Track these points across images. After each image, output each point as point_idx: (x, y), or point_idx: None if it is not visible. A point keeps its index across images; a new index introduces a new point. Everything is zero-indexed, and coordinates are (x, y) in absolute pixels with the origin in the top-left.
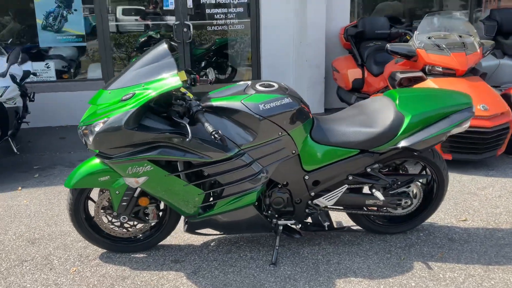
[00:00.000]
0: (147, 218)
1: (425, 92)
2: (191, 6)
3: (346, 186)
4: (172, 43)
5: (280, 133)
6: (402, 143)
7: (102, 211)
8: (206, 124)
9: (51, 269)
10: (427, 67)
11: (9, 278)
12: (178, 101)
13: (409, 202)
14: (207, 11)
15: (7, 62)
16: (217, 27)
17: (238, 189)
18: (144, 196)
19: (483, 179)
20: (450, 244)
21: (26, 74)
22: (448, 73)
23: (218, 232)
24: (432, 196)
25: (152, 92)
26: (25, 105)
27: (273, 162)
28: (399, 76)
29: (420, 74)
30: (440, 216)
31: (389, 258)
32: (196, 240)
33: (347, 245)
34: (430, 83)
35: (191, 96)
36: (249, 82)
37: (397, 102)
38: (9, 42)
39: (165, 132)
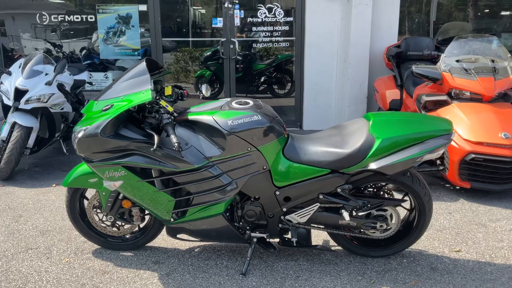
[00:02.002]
0: (132, 219)
1: (401, 117)
2: (238, 25)
3: (318, 204)
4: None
5: (248, 149)
6: (371, 166)
7: (93, 210)
8: (172, 136)
9: (48, 258)
10: (453, 91)
11: (11, 262)
12: (153, 113)
13: (385, 226)
14: (254, 29)
15: (54, 71)
16: (262, 45)
17: (207, 198)
18: (127, 198)
19: (500, 211)
20: (429, 274)
21: (81, 82)
22: (475, 98)
23: (196, 238)
24: (413, 223)
25: (126, 104)
26: (79, 111)
27: (242, 176)
28: (424, 99)
29: (444, 98)
30: (433, 244)
31: (359, 280)
32: (183, 244)
33: (323, 264)
34: (454, 107)
35: (171, 109)
36: (228, 99)
37: (370, 125)
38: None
39: (136, 141)
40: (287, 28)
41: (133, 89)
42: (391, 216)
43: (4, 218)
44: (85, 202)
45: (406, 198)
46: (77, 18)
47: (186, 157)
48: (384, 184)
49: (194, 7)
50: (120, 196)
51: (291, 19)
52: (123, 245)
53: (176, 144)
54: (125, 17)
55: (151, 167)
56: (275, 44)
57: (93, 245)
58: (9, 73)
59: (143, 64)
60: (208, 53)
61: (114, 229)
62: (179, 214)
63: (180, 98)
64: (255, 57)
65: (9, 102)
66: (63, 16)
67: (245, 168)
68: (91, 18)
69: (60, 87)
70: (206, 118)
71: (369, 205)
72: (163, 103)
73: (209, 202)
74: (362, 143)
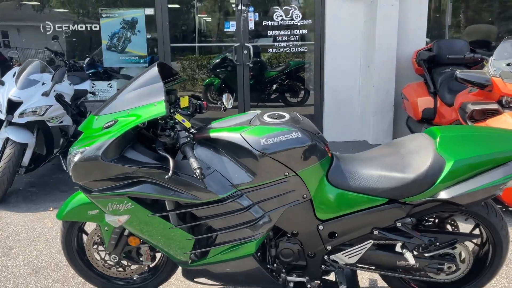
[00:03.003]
0: (140, 259)
1: (475, 132)
2: (252, 28)
3: (371, 241)
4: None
5: (286, 174)
6: (442, 195)
7: (94, 247)
8: (192, 159)
9: None
10: (504, 99)
11: None
12: (167, 131)
13: (454, 268)
14: (269, 33)
15: (51, 81)
16: (279, 50)
17: (234, 236)
18: (134, 235)
19: None
20: None
21: (82, 93)
22: None
23: (219, 283)
24: (487, 260)
25: (134, 120)
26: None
27: (278, 207)
28: (471, 108)
29: (495, 106)
30: (501, 284)
31: None
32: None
33: None
34: (506, 117)
35: (188, 125)
36: (258, 112)
37: (437, 142)
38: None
39: (147, 166)
40: (305, 31)
41: (142, 100)
42: (460, 254)
43: None
44: (84, 237)
45: (476, 230)
46: (81, 27)
47: (209, 185)
48: (449, 214)
49: (200, 15)
50: (126, 232)
51: (309, 22)
52: None
53: (197, 170)
54: (130, 22)
55: (164, 198)
56: (292, 49)
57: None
58: (2, 83)
59: (154, 70)
60: (217, 60)
61: (119, 269)
62: (198, 255)
63: (198, 110)
64: (266, 64)
65: (0, 115)
66: (68, 25)
67: (281, 198)
68: (95, 27)
69: (59, 98)
70: (232, 136)
71: (437, 243)
72: (178, 117)
73: (236, 240)
74: (429, 166)
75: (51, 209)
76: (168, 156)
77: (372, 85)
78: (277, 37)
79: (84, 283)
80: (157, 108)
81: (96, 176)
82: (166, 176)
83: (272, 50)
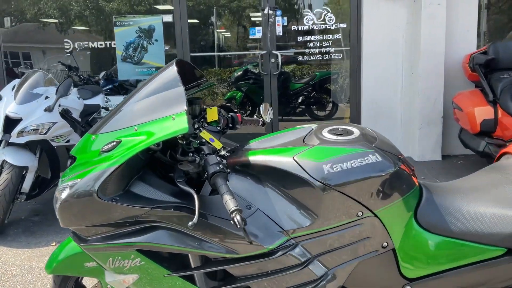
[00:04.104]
0: None
1: None
2: (280, 34)
3: None
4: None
5: (359, 214)
6: None
7: None
8: (227, 197)
9: None
10: None
11: None
12: (190, 155)
13: None
14: (299, 38)
15: (56, 94)
16: (310, 57)
17: None
18: None
19: None
20: None
21: (94, 108)
22: None
23: None
24: None
25: (144, 140)
26: None
27: (347, 261)
28: None
29: None
30: None
31: None
32: None
33: None
34: None
35: (219, 146)
36: (314, 126)
37: None
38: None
39: (162, 206)
40: (339, 36)
41: (155, 112)
42: None
43: None
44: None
45: None
46: (100, 44)
47: (250, 232)
48: None
49: (218, 31)
50: None
51: (344, 25)
52: None
53: (236, 216)
54: (147, 30)
55: (187, 252)
56: (325, 56)
57: None
58: None
59: (172, 70)
60: (239, 73)
61: None
62: None
63: (231, 125)
64: (290, 76)
65: None
66: (87, 43)
67: (352, 248)
68: (114, 45)
69: (65, 113)
70: (281, 161)
71: None
72: (205, 135)
73: None
74: None
75: (53, 243)
76: (192, 191)
77: (417, 94)
78: (308, 43)
79: None
80: (176, 122)
81: (91, 220)
82: (190, 223)
83: (303, 58)
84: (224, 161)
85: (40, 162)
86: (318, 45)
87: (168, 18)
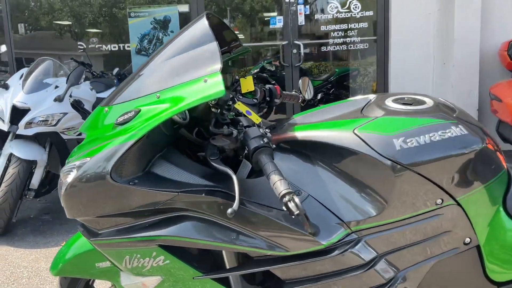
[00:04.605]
0: None
1: None
2: (303, 23)
3: None
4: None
5: (439, 202)
6: None
7: None
8: (275, 178)
9: None
10: None
11: None
12: (224, 128)
13: None
14: (322, 28)
15: (66, 83)
16: (334, 47)
17: None
18: None
19: None
20: None
21: None
22: None
23: None
24: None
25: (168, 108)
26: None
27: (421, 261)
28: None
29: None
30: None
31: None
32: None
33: None
34: None
35: (258, 120)
36: (373, 96)
37: None
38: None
39: (191, 191)
40: (365, 25)
41: (183, 74)
42: None
43: None
44: None
45: None
46: (114, 47)
47: (300, 224)
48: None
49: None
50: None
51: (371, 13)
52: None
53: (290, 200)
54: (162, 21)
55: (222, 248)
56: (351, 46)
57: None
58: (6, 87)
59: (202, 24)
60: (254, 71)
61: None
62: None
63: (268, 99)
64: (307, 72)
65: (3, 126)
66: (101, 45)
67: (428, 245)
68: (128, 47)
69: (77, 104)
70: (338, 136)
71: None
72: (241, 107)
73: None
74: None
75: (63, 243)
76: (229, 171)
77: (450, 85)
78: (332, 33)
79: None
80: (209, 85)
81: (104, 208)
82: (229, 210)
83: (327, 48)
84: (269, 134)
85: (50, 157)
86: (342, 34)
87: (184, 8)
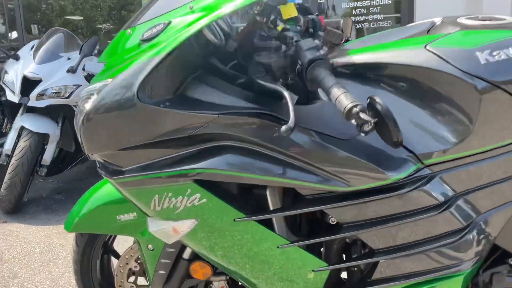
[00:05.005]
0: None
1: None
2: (323, 0)
3: None
4: None
5: None
6: None
7: (130, 279)
8: (337, 92)
9: None
10: None
11: None
12: (272, 41)
13: None
14: (343, 5)
15: (80, 54)
16: (356, 25)
17: (415, 264)
18: (201, 259)
19: None
20: None
21: None
22: None
23: None
24: None
25: (204, 16)
26: None
27: (504, 203)
28: None
29: None
30: None
31: None
32: None
33: None
34: None
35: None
36: (438, 19)
37: None
38: None
39: (235, 113)
40: (388, 1)
41: None
42: None
43: None
44: (114, 261)
45: None
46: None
47: (363, 156)
48: None
49: None
50: (187, 254)
51: None
52: None
53: (358, 111)
54: None
55: (268, 183)
56: (373, 25)
57: None
58: (16, 57)
59: None
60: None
61: None
62: None
63: (311, 30)
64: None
65: (14, 97)
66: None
67: None
68: None
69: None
70: (406, 53)
71: None
72: (289, 10)
73: (420, 274)
74: None
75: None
76: (279, 87)
77: None
78: (354, 10)
79: None
80: None
81: (129, 138)
82: (284, 127)
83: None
84: (325, 47)
85: (62, 134)
86: (364, 12)
87: None
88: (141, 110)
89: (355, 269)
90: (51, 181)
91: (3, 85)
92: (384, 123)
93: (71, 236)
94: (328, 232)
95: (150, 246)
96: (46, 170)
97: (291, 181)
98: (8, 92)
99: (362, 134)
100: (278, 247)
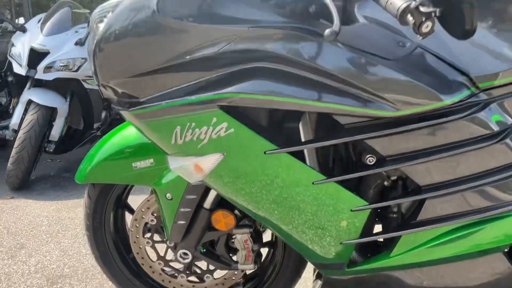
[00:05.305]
0: (232, 258)
1: None
2: None
3: None
4: None
5: None
6: None
7: (146, 235)
8: None
9: None
10: None
11: None
12: None
13: None
14: None
15: (87, 27)
16: None
17: (468, 203)
18: (224, 208)
19: None
20: None
21: None
22: None
23: None
24: None
25: None
26: None
27: None
28: None
29: None
30: None
31: None
32: None
33: None
34: None
35: None
36: None
37: None
38: None
39: (267, 26)
40: None
41: None
42: None
43: None
44: (128, 217)
45: None
46: None
47: (408, 77)
48: None
49: None
50: (208, 204)
51: None
52: None
53: (413, 9)
54: None
55: (304, 107)
56: None
57: None
58: (23, 30)
59: None
60: None
61: (191, 279)
62: (369, 250)
63: None
64: None
65: (21, 70)
66: None
67: None
68: None
69: None
70: None
71: None
72: None
73: (472, 214)
74: None
75: None
76: None
77: None
78: None
79: None
80: None
81: (149, 60)
82: (328, 31)
83: None
84: None
85: (71, 110)
86: None
87: None
88: (162, 25)
89: (395, 210)
90: (59, 161)
91: (10, 58)
92: (449, 10)
93: (81, 208)
94: (368, 167)
95: (168, 195)
96: (54, 146)
97: (329, 105)
98: (15, 65)
99: (420, 38)
100: (313, 183)
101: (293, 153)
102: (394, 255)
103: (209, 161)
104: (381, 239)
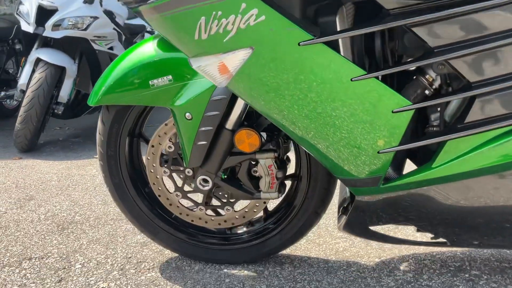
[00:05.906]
0: (255, 185)
1: None
2: None
3: None
4: None
5: None
6: None
7: (162, 166)
8: None
9: (59, 281)
10: None
11: None
12: None
13: None
14: None
15: None
16: None
17: None
18: (248, 127)
19: None
20: None
21: (138, 28)
22: None
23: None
24: None
25: None
26: None
27: None
28: None
29: None
30: None
31: None
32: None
33: None
34: None
35: None
36: None
37: None
38: None
39: None
40: None
41: None
42: None
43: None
44: (143, 149)
45: None
46: None
47: None
48: None
49: None
50: (230, 124)
51: None
52: (229, 252)
53: None
54: None
55: None
56: None
57: (159, 251)
58: None
59: None
60: None
61: (211, 212)
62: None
63: None
64: None
65: (28, 28)
66: None
67: None
68: None
69: (108, 16)
70: None
71: None
72: None
73: None
74: None
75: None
76: None
77: None
78: None
79: (143, 246)
80: None
81: None
82: None
83: None
84: None
85: (79, 72)
86: None
87: None
88: None
89: (439, 116)
90: (68, 129)
91: (17, 16)
92: None
93: (91, 167)
94: (413, 61)
95: (188, 115)
96: (63, 109)
97: None
98: (23, 23)
99: None
100: (351, 79)
101: (330, 47)
102: (437, 166)
103: (237, 58)
104: (420, 155)
